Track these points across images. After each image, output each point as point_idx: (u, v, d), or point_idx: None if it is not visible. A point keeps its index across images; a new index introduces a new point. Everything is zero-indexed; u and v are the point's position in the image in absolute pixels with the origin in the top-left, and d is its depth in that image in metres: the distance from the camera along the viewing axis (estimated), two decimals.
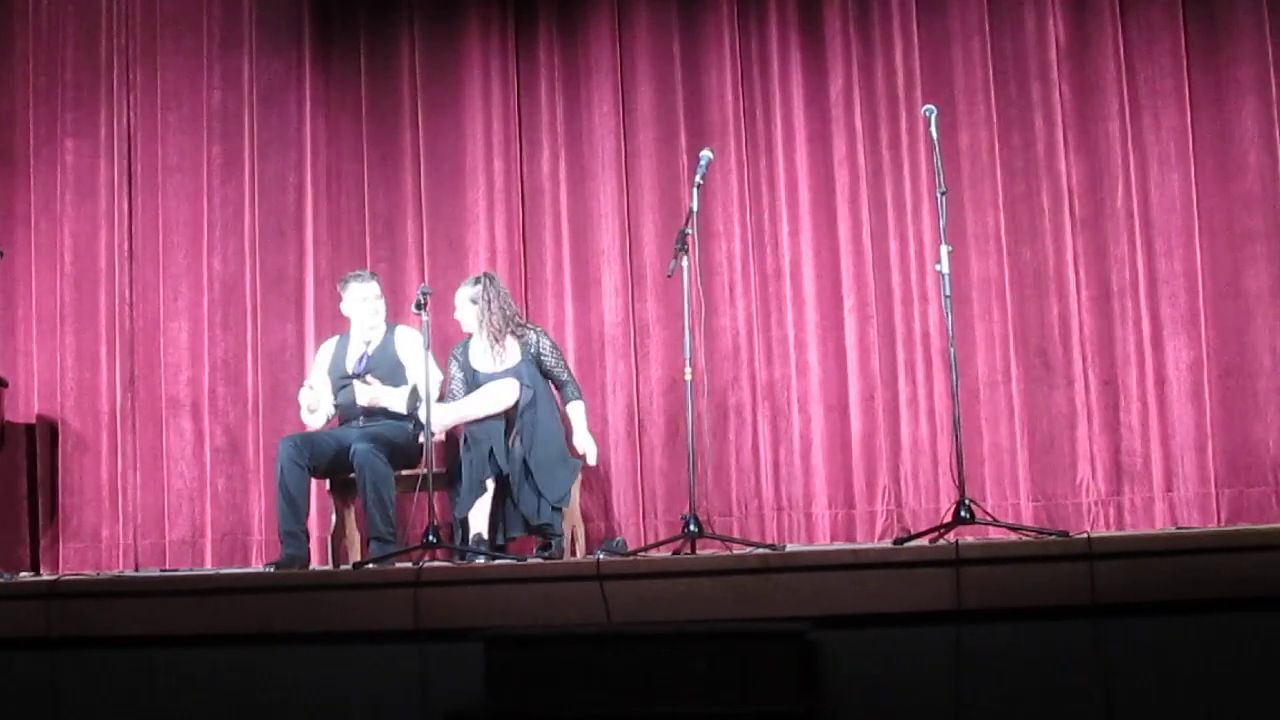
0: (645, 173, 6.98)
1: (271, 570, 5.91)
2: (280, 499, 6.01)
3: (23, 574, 6.74)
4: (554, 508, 5.96)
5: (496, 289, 6.29)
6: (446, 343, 6.46)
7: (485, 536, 5.89)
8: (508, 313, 6.27)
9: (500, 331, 6.21)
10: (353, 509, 6.37)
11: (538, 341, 6.26)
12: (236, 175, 7.42)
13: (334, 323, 6.87)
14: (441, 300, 6.33)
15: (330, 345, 6.57)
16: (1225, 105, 6.31)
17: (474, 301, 6.27)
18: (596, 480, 6.78)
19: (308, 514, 6.10)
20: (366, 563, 5.71)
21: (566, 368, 6.36)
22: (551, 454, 6.04)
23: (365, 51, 7.38)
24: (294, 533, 5.98)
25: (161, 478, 7.33)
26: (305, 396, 6.30)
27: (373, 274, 6.55)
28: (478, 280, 6.33)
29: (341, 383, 6.36)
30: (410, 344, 6.34)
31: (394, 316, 6.67)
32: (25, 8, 7.77)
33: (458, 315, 6.36)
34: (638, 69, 7.06)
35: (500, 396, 6.09)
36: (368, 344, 6.40)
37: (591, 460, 6.24)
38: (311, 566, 6.18)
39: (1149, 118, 6.39)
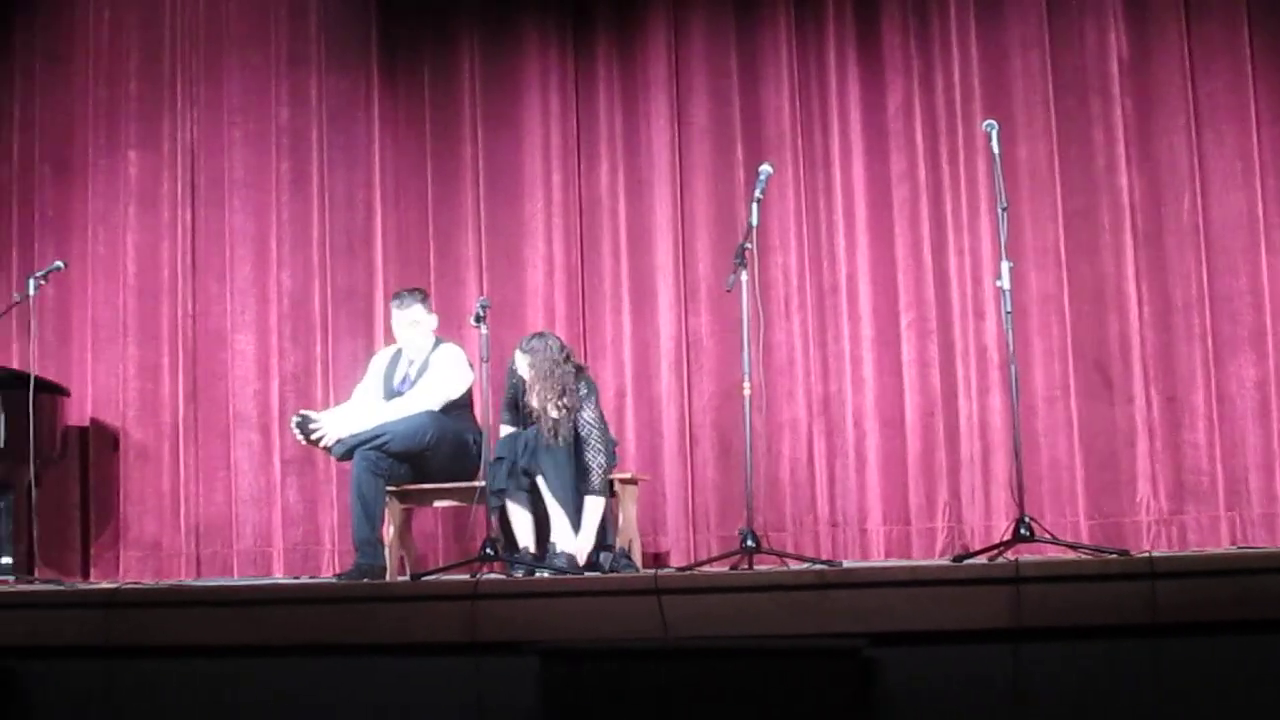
0: (700, 186, 6.98)
1: (336, 581, 5.86)
2: (355, 507, 5.95)
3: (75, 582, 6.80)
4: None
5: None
6: (504, 355, 6.42)
7: (533, 550, 5.86)
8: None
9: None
10: (411, 517, 6.38)
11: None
12: (305, 191, 7.49)
13: None
14: (498, 312, 6.33)
15: (385, 356, 6.50)
16: None
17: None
18: (648, 494, 6.77)
19: (383, 523, 6.04)
20: (424, 574, 5.71)
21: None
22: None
23: (429, 67, 7.44)
24: (370, 541, 5.92)
25: (228, 489, 7.41)
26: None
27: (415, 294, 6.30)
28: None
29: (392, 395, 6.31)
30: (443, 358, 6.24)
31: (454, 329, 6.68)
32: (87, 20, 7.91)
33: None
34: (694, 82, 7.06)
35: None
36: (411, 363, 6.34)
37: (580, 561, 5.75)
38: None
39: (1211, 133, 6.32)
